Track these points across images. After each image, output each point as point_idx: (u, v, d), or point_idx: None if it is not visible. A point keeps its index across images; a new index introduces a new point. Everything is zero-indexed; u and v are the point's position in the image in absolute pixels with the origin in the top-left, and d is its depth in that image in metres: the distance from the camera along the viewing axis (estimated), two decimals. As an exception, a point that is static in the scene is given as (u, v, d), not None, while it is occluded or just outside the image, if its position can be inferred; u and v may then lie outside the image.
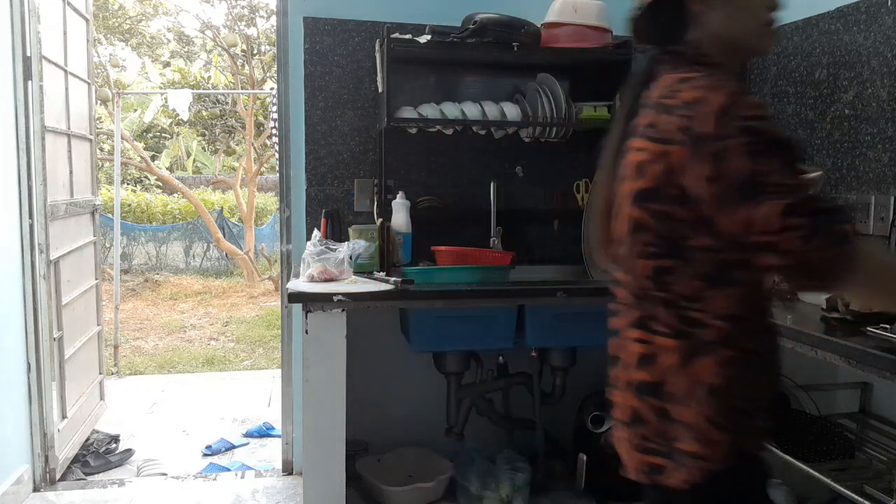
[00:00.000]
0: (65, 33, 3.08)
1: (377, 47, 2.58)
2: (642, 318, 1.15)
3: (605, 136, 1.25)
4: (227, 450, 3.40)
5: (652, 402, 1.12)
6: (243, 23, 9.01)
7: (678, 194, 1.05)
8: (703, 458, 1.08)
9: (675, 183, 1.05)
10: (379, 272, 2.40)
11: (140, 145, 9.84)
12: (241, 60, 9.17)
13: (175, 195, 10.95)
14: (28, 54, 2.67)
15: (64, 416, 2.99)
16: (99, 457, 3.17)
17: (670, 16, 1.18)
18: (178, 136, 12.06)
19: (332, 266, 2.24)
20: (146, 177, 12.52)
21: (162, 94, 8.79)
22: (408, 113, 2.58)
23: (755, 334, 1.13)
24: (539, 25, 2.58)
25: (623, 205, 1.15)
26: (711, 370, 1.08)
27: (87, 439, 3.30)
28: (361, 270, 2.38)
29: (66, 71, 3.09)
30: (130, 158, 10.17)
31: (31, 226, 2.72)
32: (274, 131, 4.92)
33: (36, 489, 2.79)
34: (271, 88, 7.81)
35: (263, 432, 3.60)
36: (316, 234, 2.40)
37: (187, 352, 5.90)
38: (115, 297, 5.11)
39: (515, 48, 2.51)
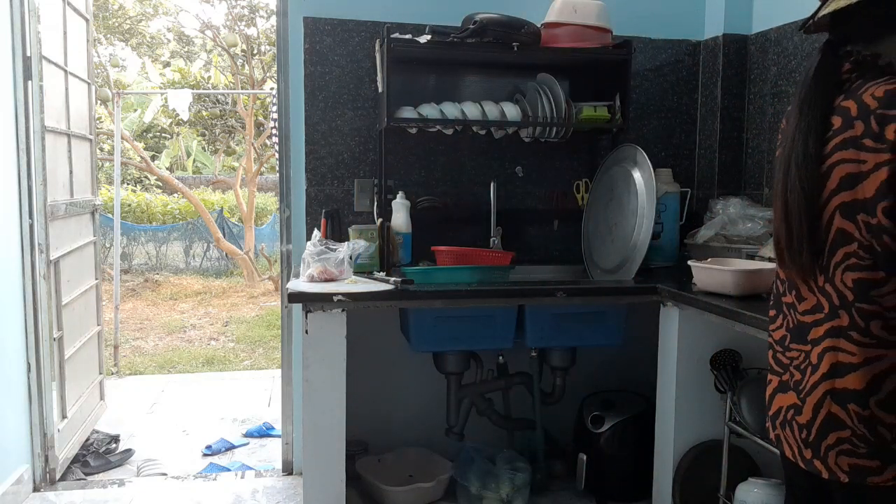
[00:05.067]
0: (65, 33, 3.08)
1: (377, 47, 2.58)
2: (842, 327, 1.18)
3: (784, 134, 1.26)
4: (227, 450, 3.40)
5: (854, 408, 1.17)
6: (243, 23, 9.01)
7: (893, 207, 1.09)
8: None
9: (893, 196, 1.08)
10: (379, 272, 2.39)
11: (140, 145, 9.84)
12: (241, 60, 9.17)
13: (175, 195, 10.95)
14: (28, 54, 2.67)
15: (64, 416, 2.99)
16: (99, 457, 3.17)
17: (878, 18, 1.18)
18: (178, 136, 12.07)
19: (332, 266, 2.24)
20: (146, 177, 12.52)
21: (162, 94, 8.79)
22: (408, 113, 2.58)
23: None
24: (539, 25, 2.58)
25: (826, 214, 1.18)
26: None
27: (87, 439, 3.30)
28: (361, 270, 2.38)
29: (66, 71, 3.09)
30: (130, 158, 10.17)
31: (31, 226, 2.72)
32: (274, 131, 4.92)
33: (36, 489, 2.79)
34: (271, 88, 7.82)
35: (263, 432, 3.60)
36: (316, 234, 2.40)
37: (187, 352, 5.90)
38: (115, 297, 5.11)
39: (515, 48, 2.51)
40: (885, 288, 1.14)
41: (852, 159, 1.13)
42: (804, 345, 1.24)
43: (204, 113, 9.12)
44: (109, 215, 7.50)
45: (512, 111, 2.63)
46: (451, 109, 2.61)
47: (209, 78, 9.96)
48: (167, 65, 11.63)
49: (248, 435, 3.58)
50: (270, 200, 12.02)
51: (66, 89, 3.11)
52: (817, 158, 1.18)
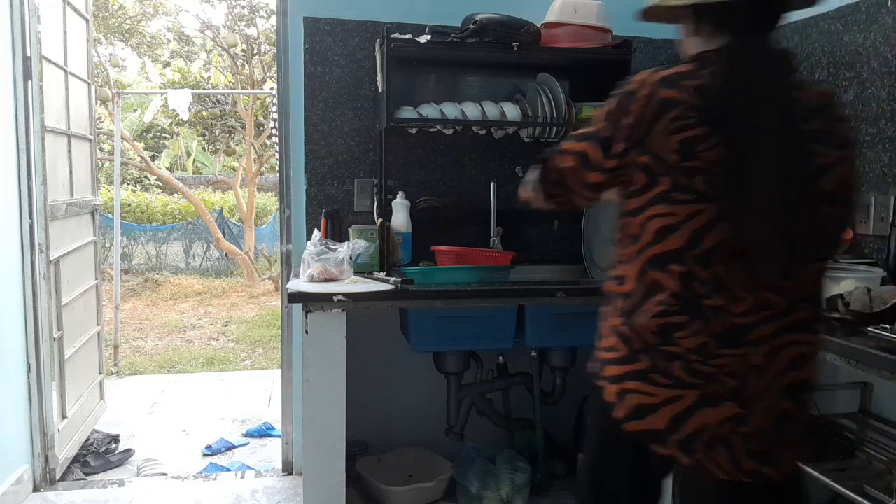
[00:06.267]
0: (65, 33, 3.08)
1: (377, 47, 2.58)
2: (804, 320, 1.18)
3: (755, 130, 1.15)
4: (227, 450, 3.40)
5: (803, 398, 1.20)
6: (243, 23, 9.01)
7: (848, 199, 1.19)
8: None
9: (848, 188, 1.17)
10: (379, 272, 2.39)
11: (140, 145, 9.84)
12: (241, 60, 9.17)
13: (175, 195, 10.95)
14: (28, 54, 2.67)
15: (64, 416, 2.99)
16: (99, 457, 3.17)
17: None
18: (178, 136, 12.07)
19: (332, 266, 2.24)
20: (146, 177, 12.52)
21: (162, 94, 8.79)
22: (408, 113, 2.58)
23: None
24: (539, 25, 2.58)
25: (801, 207, 1.15)
26: None
27: (87, 439, 3.30)
28: (361, 270, 2.38)
29: (66, 71, 3.09)
30: (130, 158, 10.17)
31: (31, 226, 2.72)
32: (274, 131, 4.92)
33: (36, 489, 2.79)
34: (271, 88, 7.81)
35: (263, 432, 3.60)
36: (316, 234, 2.40)
37: (187, 352, 5.91)
38: (115, 297, 5.11)
39: (515, 48, 2.51)
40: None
41: (820, 152, 1.18)
42: (741, 348, 1.15)
43: (204, 113, 9.11)
44: (109, 215, 7.51)
45: (512, 111, 2.63)
46: (451, 109, 2.61)
47: (209, 78, 9.96)
48: (167, 65, 11.63)
49: (248, 435, 3.58)
50: (270, 200, 12.02)
51: (66, 89, 3.11)
52: None
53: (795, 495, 1.24)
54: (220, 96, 9.11)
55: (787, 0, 1.25)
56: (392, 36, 2.46)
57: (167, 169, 12.78)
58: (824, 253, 1.21)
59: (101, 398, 3.65)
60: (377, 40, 2.59)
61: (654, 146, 1.15)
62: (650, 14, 1.34)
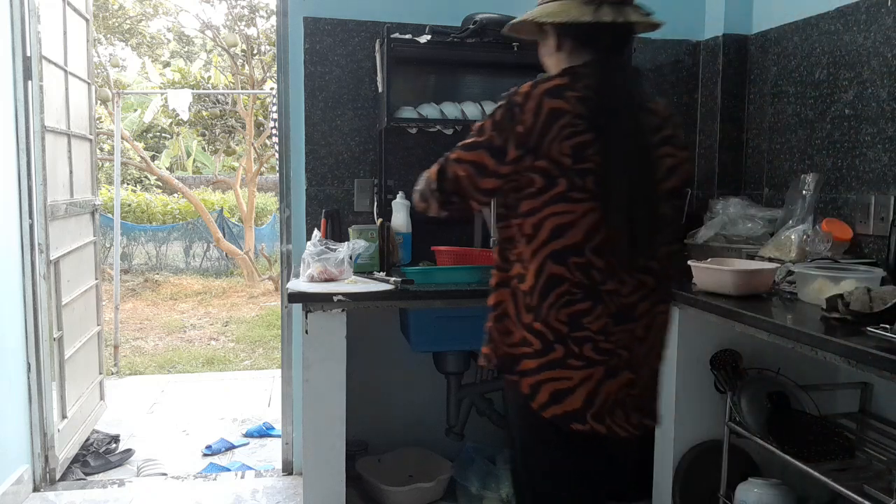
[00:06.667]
0: (65, 33, 3.08)
1: (377, 47, 2.58)
2: (666, 294, 1.45)
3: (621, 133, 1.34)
4: (227, 450, 3.40)
5: (664, 356, 1.48)
6: (243, 23, 9.01)
7: (686, 192, 1.50)
8: None
9: (687, 184, 1.37)
10: (379, 272, 2.39)
11: (140, 145, 9.84)
12: (241, 60, 9.17)
13: (175, 195, 10.95)
14: (28, 54, 2.67)
15: (64, 416, 2.99)
16: (99, 457, 3.17)
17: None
18: (178, 136, 12.07)
19: (332, 266, 2.24)
20: (146, 177, 12.52)
21: (162, 94, 8.79)
22: (408, 113, 2.58)
23: None
24: (539, 25, 2.58)
25: (658, 201, 1.38)
26: None
27: (87, 439, 3.30)
28: (361, 270, 2.38)
29: (66, 71, 3.09)
30: (130, 158, 10.17)
31: (31, 226, 2.72)
32: (274, 131, 4.92)
33: (36, 489, 2.79)
34: (271, 88, 7.81)
35: (263, 432, 3.60)
36: (316, 234, 2.40)
37: (187, 352, 5.91)
38: (115, 297, 5.11)
39: (515, 48, 2.50)
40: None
41: (671, 154, 1.40)
42: (630, 323, 1.35)
43: (204, 113, 9.11)
44: (109, 215, 7.51)
45: (512, 111, 2.62)
46: (451, 109, 2.60)
47: (209, 78, 9.96)
48: (167, 65, 11.63)
49: (248, 435, 3.58)
50: (270, 200, 12.02)
51: (66, 89, 3.11)
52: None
53: (652, 437, 1.54)
54: (220, 96, 9.11)
55: (636, 25, 1.41)
56: (392, 36, 2.46)
57: (167, 169, 12.78)
58: (674, 238, 1.50)
59: (101, 398, 3.65)
60: (377, 40, 2.59)
61: (550, 151, 1.29)
62: (517, 28, 1.51)
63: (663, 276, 1.41)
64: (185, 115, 7.91)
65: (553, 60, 1.45)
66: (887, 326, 1.50)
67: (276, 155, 3.94)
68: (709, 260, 2.15)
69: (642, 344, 1.37)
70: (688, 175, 1.49)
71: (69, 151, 3.14)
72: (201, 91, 8.97)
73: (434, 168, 1.45)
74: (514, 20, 1.51)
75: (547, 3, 1.41)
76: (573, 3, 1.36)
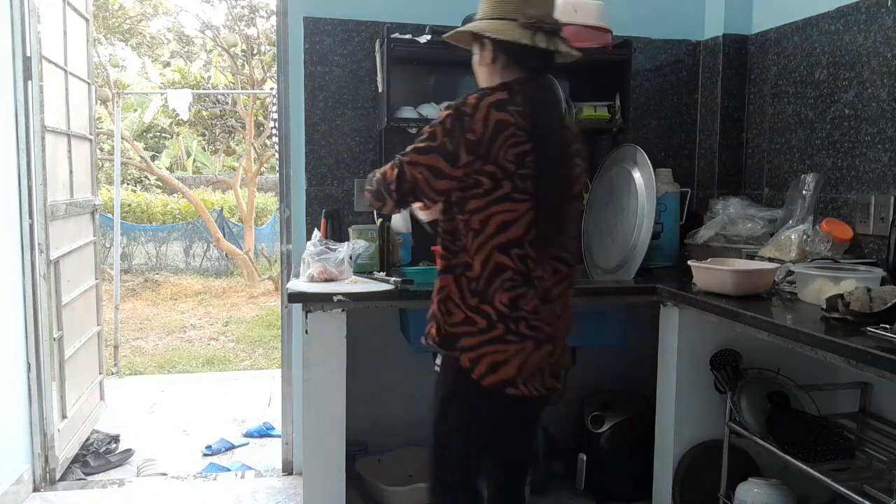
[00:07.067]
0: (65, 33, 3.08)
1: (377, 47, 2.58)
2: (574, 279, 1.71)
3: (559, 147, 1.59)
4: (227, 450, 3.40)
5: (570, 330, 1.72)
6: (243, 23, 9.01)
7: (582, 196, 1.70)
8: None
9: (584, 188, 1.67)
10: (379, 272, 2.39)
11: (140, 145, 9.84)
12: (241, 60, 9.17)
13: (175, 195, 10.95)
14: (28, 54, 2.67)
15: (64, 416, 2.99)
16: (99, 457, 3.17)
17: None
18: (178, 136, 12.07)
19: (332, 266, 2.24)
20: (146, 177, 12.52)
21: (162, 94, 8.80)
22: (408, 113, 2.58)
23: None
24: (539, 25, 2.58)
25: (571, 202, 1.65)
26: None
27: (87, 439, 3.30)
28: (361, 270, 2.38)
29: (66, 71, 3.09)
30: (130, 158, 10.17)
31: (31, 226, 2.72)
32: (274, 131, 4.92)
33: (36, 489, 2.79)
34: (271, 88, 7.81)
35: (263, 432, 3.60)
36: (316, 234, 2.40)
37: (187, 352, 5.91)
38: (115, 297, 5.12)
39: (515, 48, 2.50)
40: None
41: (578, 164, 1.65)
42: (551, 304, 1.59)
43: (204, 113, 9.12)
44: (109, 215, 7.51)
45: (512, 111, 2.62)
46: (451, 109, 2.60)
47: (209, 78, 9.96)
48: (167, 65, 11.63)
49: (248, 435, 3.58)
50: (270, 200, 12.02)
51: (66, 89, 3.11)
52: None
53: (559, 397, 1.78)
54: (220, 96, 9.11)
55: (559, 53, 1.65)
56: (392, 36, 2.46)
57: (167, 169, 12.78)
58: (577, 232, 1.92)
59: (101, 398, 3.66)
60: (377, 40, 2.59)
61: (497, 158, 1.49)
62: (457, 37, 1.72)
63: (572, 264, 1.68)
64: (185, 115, 7.92)
65: (485, 70, 1.67)
66: (887, 326, 1.50)
67: (276, 155, 3.94)
68: (709, 260, 2.15)
69: (559, 321, 1.62)
70: (584, 182, 1.98)
71: (69, 151, 3.14)
72: (201, 91, 8.97)
73: (389, 170, 1.58)
74: (458, 28, 1.71)
75: (488, 19, 1.62)
76: (514, 25, 1.58)
